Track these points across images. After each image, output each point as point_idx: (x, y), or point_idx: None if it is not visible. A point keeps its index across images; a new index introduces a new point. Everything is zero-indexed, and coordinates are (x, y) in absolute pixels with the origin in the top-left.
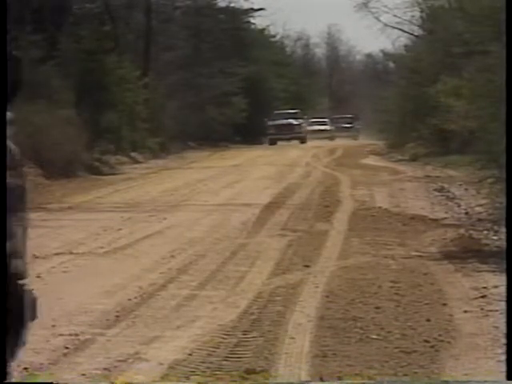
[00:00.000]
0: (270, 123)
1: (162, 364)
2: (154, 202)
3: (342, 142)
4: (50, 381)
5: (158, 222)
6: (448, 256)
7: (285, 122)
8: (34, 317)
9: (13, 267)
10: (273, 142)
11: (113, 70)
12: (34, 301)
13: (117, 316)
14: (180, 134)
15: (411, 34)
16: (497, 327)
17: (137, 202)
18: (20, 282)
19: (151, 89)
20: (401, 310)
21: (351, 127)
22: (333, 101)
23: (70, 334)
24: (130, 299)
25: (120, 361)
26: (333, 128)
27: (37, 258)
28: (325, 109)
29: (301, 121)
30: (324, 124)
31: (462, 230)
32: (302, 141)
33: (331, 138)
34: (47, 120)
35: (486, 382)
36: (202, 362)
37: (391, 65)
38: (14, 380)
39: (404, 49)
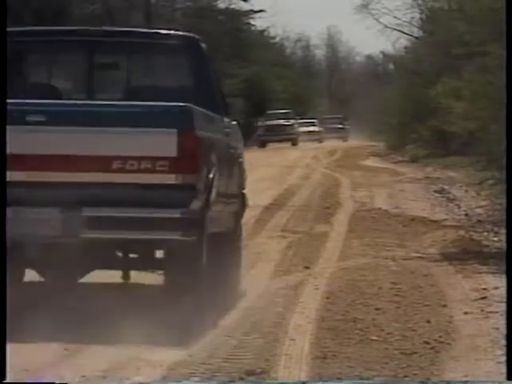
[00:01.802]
0: (260, 124)
1: (161, 366)
2: None
3: (332, 143)
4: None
5: None
6: (448, 257)
7: (276, 122)
8: (248, 205)
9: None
10: (262, 144)
11: None
12: (246, 199)
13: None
14: None
15: (411, 36)
16: (497, 328)
17: None
18: (243, 191)
19: None
20: (401, 312)
21: (341, 128)
22: (333, 102)
23: (70, 335)
24: (129, 301)
25: (121, 362)
26: (322, 129)
27: None
28: (325, 110)
29: (292, 121)
30: (312, 125)
31: (462, 232)
32: (294, 143)
33: (320, 140)
34: None
35: (486, 382)
36: (202, 364)
37: (391, 66)
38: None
39: (404, 50)
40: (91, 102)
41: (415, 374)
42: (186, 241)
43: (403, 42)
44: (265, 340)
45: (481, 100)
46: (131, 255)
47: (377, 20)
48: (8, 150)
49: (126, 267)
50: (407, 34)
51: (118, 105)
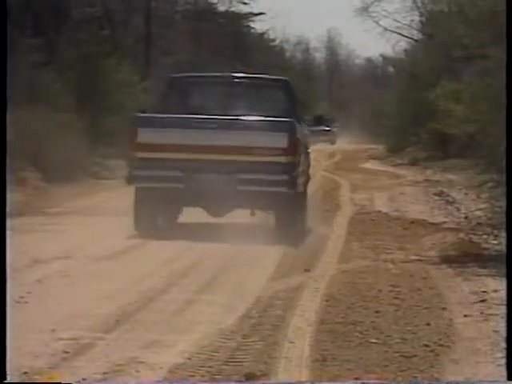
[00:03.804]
0: None
1: (161, 368)
2: None
3: (320, 147)
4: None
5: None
6: (447, 260)
7: None
8: (311, 178)
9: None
10: None
11: (112, 74)
12: (310, 174)
13: (117, 320)
14: None
15: (411, 39)
16: (497, 331)
17: None
18: (309, 169)
19: (151, 93)
20: (400, 314)
21: (327, 130)
22: (332, 105)
23: (70, 339)
24: (130, 303)
25: (120, 365)
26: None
27: (37, 262)
28: (324, 113)
29: None
30: None
31: (461, 234)
32: None
33: None
34: (47, 124)
35: (486, 382)
36: (202, 367)
37: (391, 69)
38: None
39: (403, 53)
40: (240, 117)
41: (415, 377)
42: (288, 192)
43: (403, 44)
44: (264, 343)
45: (480, 103)
46: (258, 200)
47: (376, 23)
48: (193, 142)
49: (254, 207)
50: (407, 36)
51: (254, 119)
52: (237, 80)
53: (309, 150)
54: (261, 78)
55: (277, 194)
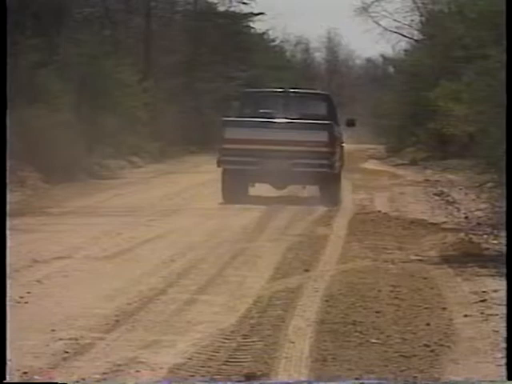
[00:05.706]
0: None
1: (161, 368)
2: (154, 206)
3: None
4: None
5: (158, 227)
6: (448, 260)
7: None
8: (344, 164)
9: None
10: None
11: (112, 74)
12: (344, 161)
13: (116, 320)
14: (180, 139)
15: (411, 39)
16: (497, 331)
17: (137, 206)
18: (343, 157)
19: (151, 93)
20: (400, 314)
21: None
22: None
23: (70, 339)
24: (129, 303)
25: (119, 365)
26: None
27: (37, 262)
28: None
29: None
30: None
31: (461, 235)
32: None
33: None
34: (47, 124)
35: (486, 382)
36: (202, 367)
37: (391, 69)
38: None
39: (404, 53)
40: (295, 120)
41: (415, 377)
42: (328, 172)
43: (403, 44)
44: (264, 343)
45: (480, 103)
46: (308, 178)
47: (377, 23)
48: (263, 137)
49: (304, 183)
50: (407, 36)
51: (305, 122)
52: (292, 94)
53: (343, 144)
54: (309, 92)
55: (320, 174)
